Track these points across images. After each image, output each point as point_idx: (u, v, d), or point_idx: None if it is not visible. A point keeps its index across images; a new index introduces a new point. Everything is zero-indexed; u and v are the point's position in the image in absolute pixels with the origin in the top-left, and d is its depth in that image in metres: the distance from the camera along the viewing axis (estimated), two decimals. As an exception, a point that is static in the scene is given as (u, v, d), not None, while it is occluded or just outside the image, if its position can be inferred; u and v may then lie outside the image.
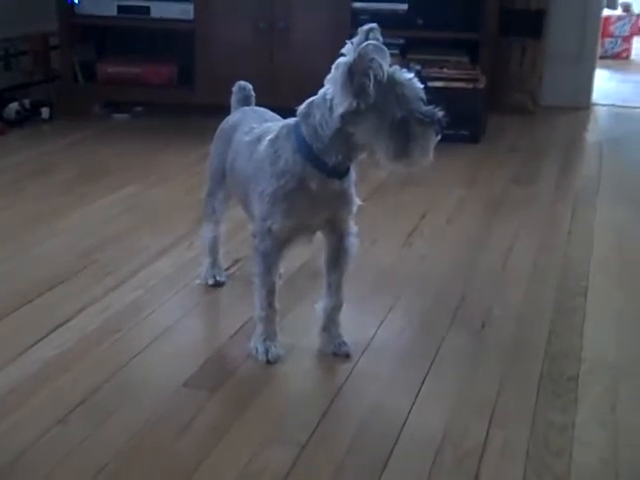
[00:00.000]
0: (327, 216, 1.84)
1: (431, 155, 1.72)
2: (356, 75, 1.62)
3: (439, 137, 1.69)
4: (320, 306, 1.96)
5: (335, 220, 1.86)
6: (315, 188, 1.76)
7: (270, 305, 1.90)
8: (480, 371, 1.88)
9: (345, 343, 1.93)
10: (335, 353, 1.92)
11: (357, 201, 1.87)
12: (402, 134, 1.66)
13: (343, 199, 1.83)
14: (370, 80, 1.61)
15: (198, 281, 2.28)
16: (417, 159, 1.70)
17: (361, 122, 1.66)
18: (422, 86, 1.73)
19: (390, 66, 1.66)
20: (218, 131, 2.17)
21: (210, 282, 2.26)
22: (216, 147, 2.16)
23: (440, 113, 1.68)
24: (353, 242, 1.92)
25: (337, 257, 1.91)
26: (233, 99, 2.25)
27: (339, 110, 1.65)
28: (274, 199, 1.78)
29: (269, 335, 1.91)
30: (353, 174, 1.84)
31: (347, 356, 1.91)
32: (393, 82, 1.65)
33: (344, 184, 1.81)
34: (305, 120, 1.74)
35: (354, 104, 1.63)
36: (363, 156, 1.78)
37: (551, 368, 1.89)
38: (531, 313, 2.18)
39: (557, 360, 1.93)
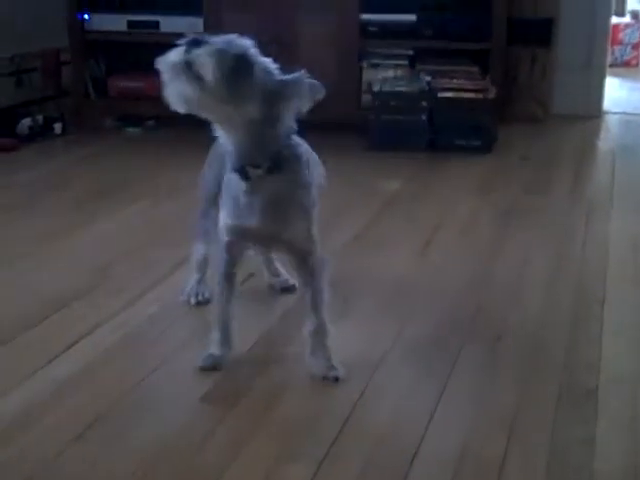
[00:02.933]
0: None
1: None
2: None
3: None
4: (305, 329, 1.88)
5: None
6: None
7: None
8: (498, 384, 1.87)
9: (334, 367, 1.85)
10: (324, 377, 1.85)
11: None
12: None
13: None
14: None
15: (182, 298, 2.23)
16: None
17: None
18: None
19: None
20: (212, 150, 2.07)
21: (192, 301, 2.20)
22: (210, 166, 2.09)
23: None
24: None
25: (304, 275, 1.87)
26: None
27: None
28: None
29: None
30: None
31: (336, 380, 1.84)
32: None
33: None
34: None
35: None
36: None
37: (570, 380, 1.87)
38: (548, 324, 2.17)
39: (576, 372, 1.91)
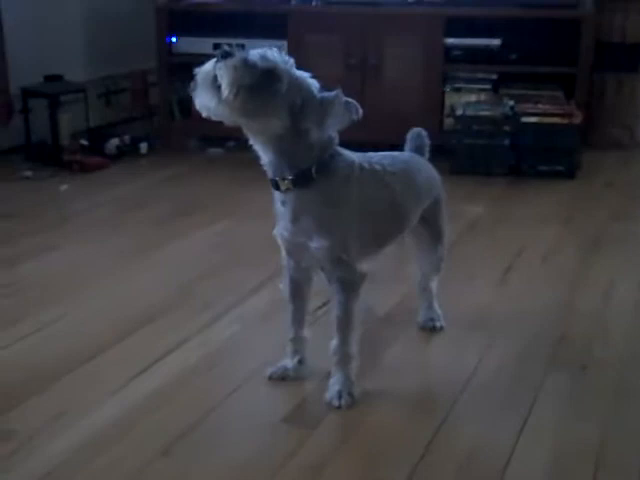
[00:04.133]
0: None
1: None
2: None
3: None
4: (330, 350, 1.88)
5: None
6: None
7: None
8: (583, 414, 1.84)
9: (341, 395, 1.83)
10: (327, 403, 1.84)
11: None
12: None
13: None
14: None
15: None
16: None
17: None
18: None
19: None
20: None
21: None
22: None
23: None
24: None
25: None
26: (406, 147, 2.18)
27: None
28: None
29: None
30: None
31: (338, 407, 1.83)
32: None
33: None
34: None
35: None
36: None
37: (657, 413, 1.83)
38: (634, 355, 2.12)
39: (663, 405, 1.87)
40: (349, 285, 1.83)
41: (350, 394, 1.85)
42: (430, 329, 2.22)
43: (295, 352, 1.98)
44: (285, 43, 4.10)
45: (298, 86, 1.69)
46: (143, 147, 4.14)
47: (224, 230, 3.08)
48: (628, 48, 4.23)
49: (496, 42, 4.00)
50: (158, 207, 3.38)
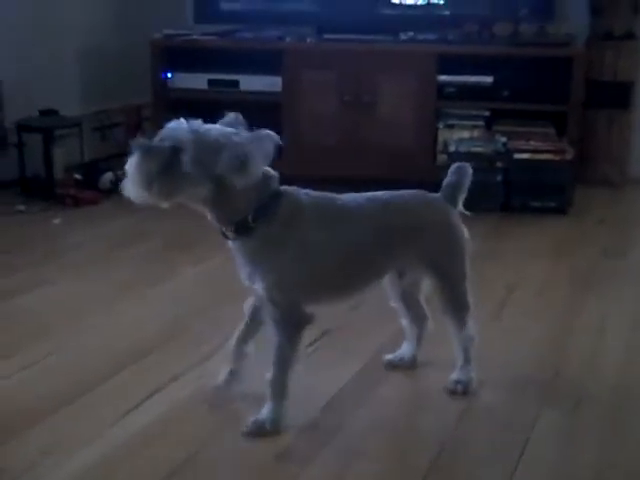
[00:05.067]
0: None
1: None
2: None
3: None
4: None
5: None
6: None
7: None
8: (577, 450, 1.83)
9: (257, 423, 1.87)
10: (242, 432, 1.87)
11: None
12: None
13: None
14: None
15: None
16: None
17: None
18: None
19: None
20: None
21: None
22: None
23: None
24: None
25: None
26: (445, 181, 2.13)
27: None
28: None
29: None
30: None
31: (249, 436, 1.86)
32: None
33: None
34: None
35: None
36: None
37: (652, 450, 1.83)
38: (628, 392, 2.12)
39: (657, 442, 1.87)
40: (283, 326, 1.85)
41: (273, 424, 1.86)
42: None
43: (232, 361, 2.04)
44: (280, 79, 4.14)
45: (209, 147, 1.71)
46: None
47: (215, 265, 3.07)
48: (619, 86, 4.28)
49: (488, 79, 4.04)
50: (151, 242, 3.38)
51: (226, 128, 1.77)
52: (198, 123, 1.75)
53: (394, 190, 2.05)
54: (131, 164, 1.73)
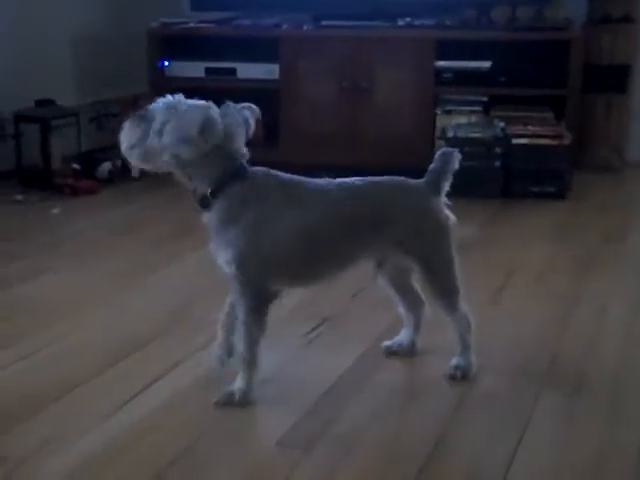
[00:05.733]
0: None
1: None
2: None
3: None
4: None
5: None
6: None
7: None
8: (577, 435, 1.83)
9: (230, 393, 1.93)
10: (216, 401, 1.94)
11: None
12: None
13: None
14: None
15: None
16: None
17: None
18: None
19: None
20: None
21: None
22: None
23: None
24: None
25: None
26: (431, 167, 2.10)
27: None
28: None
29: None
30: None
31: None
32: None
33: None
34: None
35: None
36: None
37: (652, 433, 1.83)
38: (628, 376, 2.12)
39: (657, 425, 1.87)
40: (245, 301, 1.91)
41: (242, 395, 1.93)
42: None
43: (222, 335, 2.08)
44: (277, 67, 4.13)
45: (170, 118, 1.81)
46: (135, 171, 4.13)
47: (216, 253, 3.08)
48: (616, 70, 4.27)
49: (486, 64, 4.03)
50: (150, 230, 3.38)
51: (199, 102, 1.85)
52: (179, 97, 1.85)
53: (390, 175, 2.05)
54: (121, 134, 1.90)
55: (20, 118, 3.92)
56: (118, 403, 1.96)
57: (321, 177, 1.99)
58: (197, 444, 1.79)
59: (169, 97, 1.85)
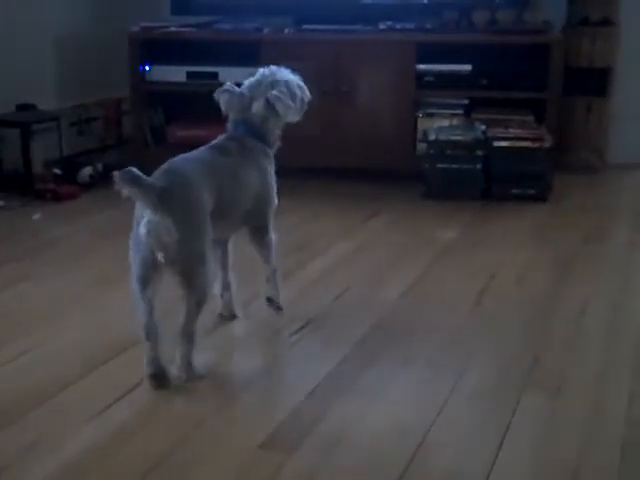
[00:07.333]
0: None
1: None
2: None
3: None
4: None
5: None
6: None
7: None
8: (559, 436, 1.84)
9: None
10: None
11: None
12: None
13: None
14: None
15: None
16: None
17: None
18: None
19: None
20: None
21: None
22: None
23: None
24: None
25: None
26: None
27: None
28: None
29: None
30: None
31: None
32: None
33: None
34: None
35: None
36: None
37: (633, 433, 1.84)
38: (608, 376, 2.13)
39: (638, 425, 1.88)
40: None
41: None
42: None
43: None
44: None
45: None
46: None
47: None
48: (596, 73, 4.30)
49: (467, 68, 4.05)
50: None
51: None
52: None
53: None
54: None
55: (0, 123, 3.90)
56: (99, 408, 1.95)
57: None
58: (180, 448, 1.79)
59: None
